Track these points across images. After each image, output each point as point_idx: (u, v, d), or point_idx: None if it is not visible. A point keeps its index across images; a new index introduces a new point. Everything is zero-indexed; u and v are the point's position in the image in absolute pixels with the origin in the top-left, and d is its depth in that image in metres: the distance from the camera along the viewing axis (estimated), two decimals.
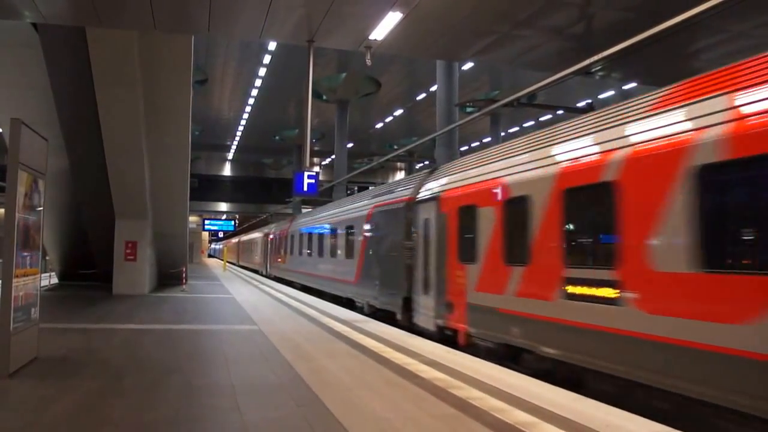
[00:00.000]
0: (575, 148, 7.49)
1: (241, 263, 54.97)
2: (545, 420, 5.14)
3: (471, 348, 9.45)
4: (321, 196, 26.56)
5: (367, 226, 15.27)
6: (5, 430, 4.91)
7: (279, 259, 31.11)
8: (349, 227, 16.96)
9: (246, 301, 16.66)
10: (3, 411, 5.51)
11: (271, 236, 34.56)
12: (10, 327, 6.62)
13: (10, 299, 6.62)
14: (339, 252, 18.38)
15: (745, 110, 5.24)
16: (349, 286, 16.78)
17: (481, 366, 7.67)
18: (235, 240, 65.46)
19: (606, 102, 33.20)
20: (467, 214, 9.79)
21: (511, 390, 6.24)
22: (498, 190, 8.82)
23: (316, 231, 21.95)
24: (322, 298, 18.71)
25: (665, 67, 14.10)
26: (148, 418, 5.26)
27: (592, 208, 7.38)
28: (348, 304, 16.59)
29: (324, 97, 40.20)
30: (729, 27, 12.54)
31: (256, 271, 39.99)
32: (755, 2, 9.91)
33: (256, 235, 44.86)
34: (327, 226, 20.22)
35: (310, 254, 23.11)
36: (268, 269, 35.09)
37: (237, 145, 59.93)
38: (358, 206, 16.71)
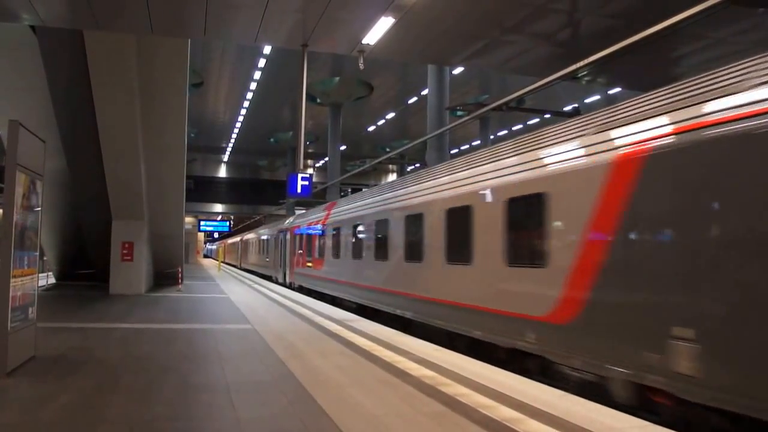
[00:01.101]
0: None
1: (243, 266, 45.20)
2: (531, 416, 5.17)
3: None
4: (314, 198, 26.59)
5: (610, 195, 6.57)
6: (3, 427, 4.89)
7: (309, 263, 21.08)
8: (527, 201, 8.06)
9: (240, 301, 16.63)
10: (1, 409, 5.49)
11: (291, 231, 25.22)
12: (8, 326, 6.59)
13: (7, 299, 6.58)
14: (480, 252, 9.20)
15: None
16: (532, 327, 7.70)
17: (468, 364, 7.69)
18: (235, 239, 58.05)
19: (591, 107, 33.36)
20: None
21: (497, 387, 6.27)
22: None
23: (406, 216, 12.26)
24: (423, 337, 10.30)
25: (648, 73, 14.19)
26: (144, 415, 5.26)
27: None
28: (507, 359, 8.45)
29: (318, 101, 40.27)
30: (709, 34, 12.63)
31: (267, 278, 30.53)
32: (733, 11, 9.99)
33: (266, 231, 35.04)
34: (439, 203, 10.72)
35: (384, 255, 13.29)
36: (288, 276, 25.45)
37: (232, 148, 59.87)
38: (559, 154, 7.63)
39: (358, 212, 15.94)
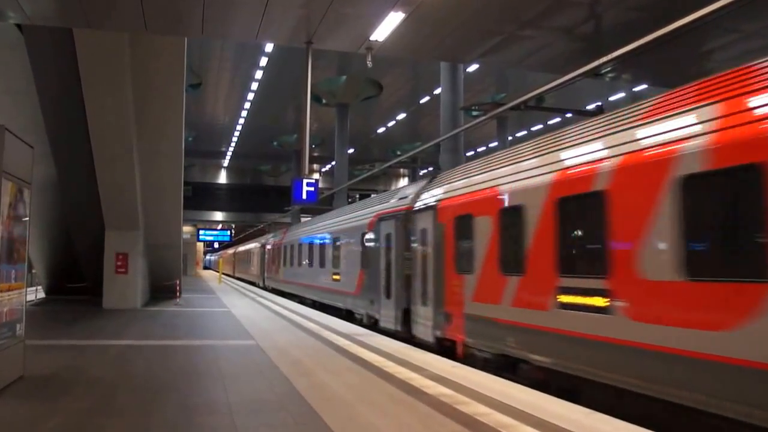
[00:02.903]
0: None
1: (270, 284, 32.57)
2: None
3: None
4: (321, 204, 26.51)
5: None
6: None
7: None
8: None
9: (242, 315, 16.63)
10: None
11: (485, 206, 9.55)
12: None
13: None
14: None
15: None
16: None
17: (487, 380, 7.65)
18: (252, 244, 44.27)
19: (617, 104, 33.25)
20: None
21: (518, 405, 6.22)
22: None
23: None
24: None
25: (677, 69, 14.12)
26: None
27: None
28: None
29: (323, 101, 40.37)
30: (741, 27, 12.59)
31: (333, 310, 18.17)
32: (767, 2, 9.94)
33: (336, 220, 20.20)
34: None
35: None
36: (435, 321, 11.04)
37: (233, 152, 60.06)
38: None
39: None
